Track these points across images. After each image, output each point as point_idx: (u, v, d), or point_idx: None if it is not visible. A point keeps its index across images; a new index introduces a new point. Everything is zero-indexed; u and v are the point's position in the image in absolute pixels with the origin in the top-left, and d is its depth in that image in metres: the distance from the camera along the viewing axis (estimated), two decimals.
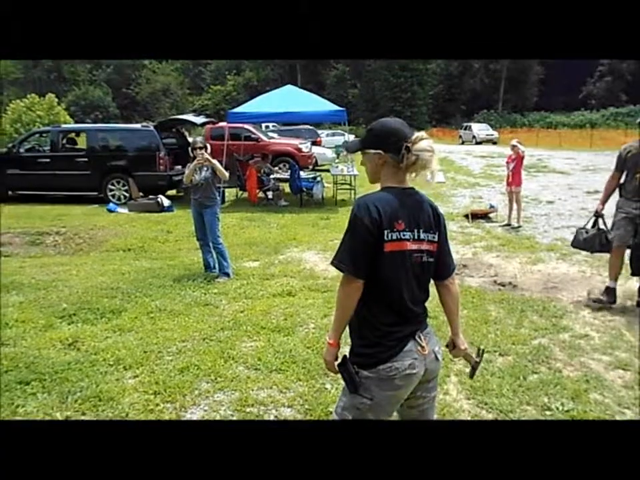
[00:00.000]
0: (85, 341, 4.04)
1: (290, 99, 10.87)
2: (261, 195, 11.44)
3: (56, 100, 28.94)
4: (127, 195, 11.19)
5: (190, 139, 12.07)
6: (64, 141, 11.84)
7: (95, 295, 5.08)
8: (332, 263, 1.82)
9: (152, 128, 11.23)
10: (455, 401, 3.17)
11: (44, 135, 12.36)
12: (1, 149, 13.30)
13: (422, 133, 1.87)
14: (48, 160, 11.39)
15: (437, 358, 1.91)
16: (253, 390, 3.30)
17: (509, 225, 8.56)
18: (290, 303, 4.93)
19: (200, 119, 12.40)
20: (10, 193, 11.84)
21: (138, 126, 11.92)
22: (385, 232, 1.76)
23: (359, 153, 1.92)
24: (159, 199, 10.57)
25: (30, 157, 11.58)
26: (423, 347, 1.84)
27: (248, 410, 3.07)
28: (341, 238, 1.82)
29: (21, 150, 11.65)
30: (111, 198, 11.20)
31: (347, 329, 1.93)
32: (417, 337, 1.85)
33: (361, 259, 1.76)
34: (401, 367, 1.78)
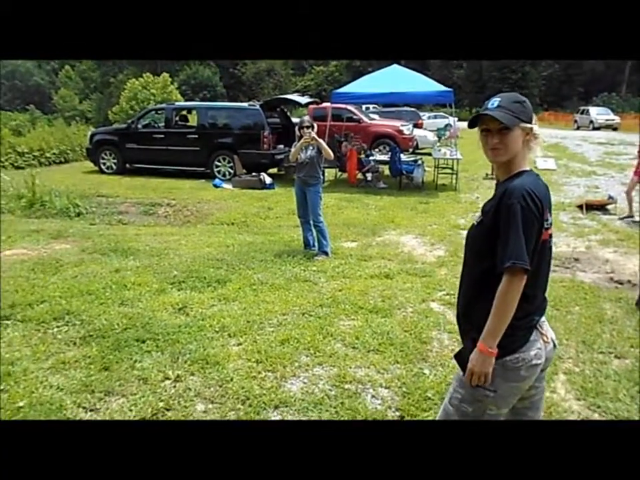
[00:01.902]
0: (193, 307, 4.29)
1: (396, 78, 10.65)
2: (360, 176, 11.41)
3: (169, 79, 30.63)
4: (232, 171, 11.65)
5: (294, 119, 12.33)
6: (177, 118, 12.53)
7: (202, 265, 5.36)
8: (506, 268, 1.62)
9: (258, 107, 11.55)
10: (563, 400, 3.00)
11: (159, 112, 13.15)
12: (122, 124, 14.37)
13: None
14: (162, 136, 12.14)
15: (554, 345, 1.84)
16: (350, 368, 3.33)
17: (630, 217, 7.83)
18: (387, 285, 4.90)
19: (304, 99, 12.57)
20: (127, 165, 12.79)
21: (245, 105, 12.30)
22: (544, 222, 1.68)
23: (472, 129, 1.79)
24: (261, 177, 10.90)
25: (146, 132, 12.38)
26: (545, 335, 1.78)
27: (346, 387, 3.10)
28: (504, 233, 1.64)
29: (139, 126, 12.49)
30: (216, 174, 11.72)
31: (462, 316, 1.85)
32: (539, 326, 1.77)
33: (529, 252, 1.63)
34: (527, 357, 1.70)
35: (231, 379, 3.16)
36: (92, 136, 13.14)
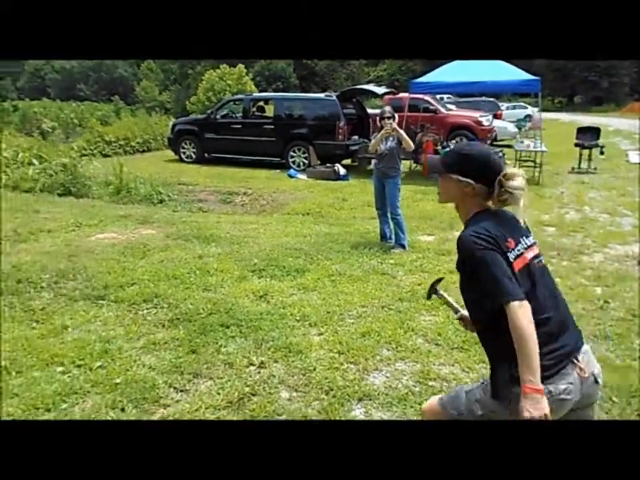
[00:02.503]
0: (274, 295, 4.35)
1: (477, 67, 10.24)
2: None
3: (245, 70, 31.25)
4: (306, 162, 11.73)
5: (369, 110, 12.22)
6: (254, 109, 12.77)
7: (280, 254, 5.44)
8: (494, 307, 1.59)
9: (334, 98, 11.54)
10: None
11: (237, 102, 13.46)
12: (201, 115, 14.83)
13: (515, 169, 1.77)
14: (239, 126, 12.43)
15: (596, 381, 1.71)
16: (434, 364, 3.26)
17: None
18: None
19: (381, 90, 12.43)
20: (206, 155, 13.20)
21: (321, 95, 12.35)
22: (507, 255, 1.65)
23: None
24: (335, 167, 10.90)
25: (224, 122, 12.72)
26: (582, 369, 1.65)
27: (430, 383, 3.04)
28: (482, 284, 1.63)
29: (218, 116, 12.84)
30: (291, 164, 11.85)
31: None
32: (574, 359, 1.66)
33: (514, 279, 1.60)
34: (554, 390, 1.60)
35: (314, 369, 3.18)
36: (173, 126, 13.67)
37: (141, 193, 9.09)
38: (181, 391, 2.98)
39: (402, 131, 5.65)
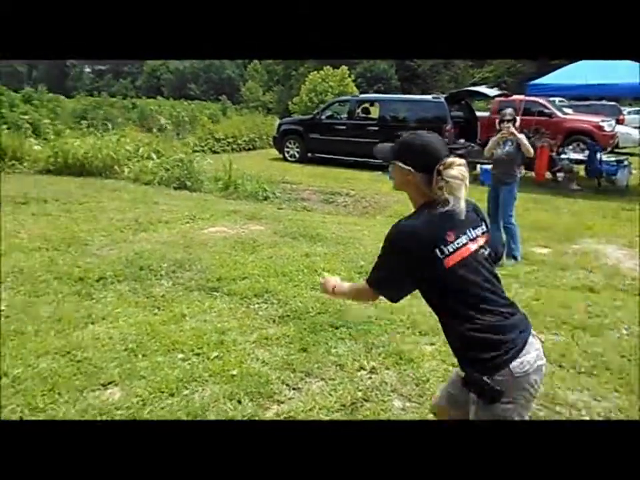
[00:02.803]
0: (382, 299, 4.27)
1: (598, 68, 9.50)
2: (549, 175, 10.49)
3: (347, 72, 31.45)
4: None
5: (478, 113, 11.77)
6: (359, 110, 12.77)
7: None
8: (367, 281, 1.90)
9: (442, 99, 11.24)
10: None
11: (343, 103, 13.54)
12: (307, 115, 15.10)
13: (455, 159, 1.77)
14: (344, 127, 12.48)
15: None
16: (559, 388, 3.02)
17: None
18: (593, 300, 4.38)
19: (493, 91, 11.91)
20: (309, 154, 13.41)
21: (429, 97, 12.07)
22: (438, 251, 1.69)
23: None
24: None
25: (329, 123, 12.85)
26: (539, 339, 1.81)
27: (557, 409, 2.81)
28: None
29: (323, 117, 12.99)
30: None
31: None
32: (529, 329, 1.78)
33: (395, 283, 1.84)
34: (531, 359, 1.69)
35: (428, 380, 3.07)
36: (279, 126, 14.03)
37: (247, 190, 9.40)
38: (294, 388, 3.00)
39: (521, 135, 5.34)
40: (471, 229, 1.79)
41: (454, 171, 1.73)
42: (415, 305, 4.14)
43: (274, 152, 14.85)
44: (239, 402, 2.82)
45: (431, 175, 1.75)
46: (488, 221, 1.93)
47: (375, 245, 5.88)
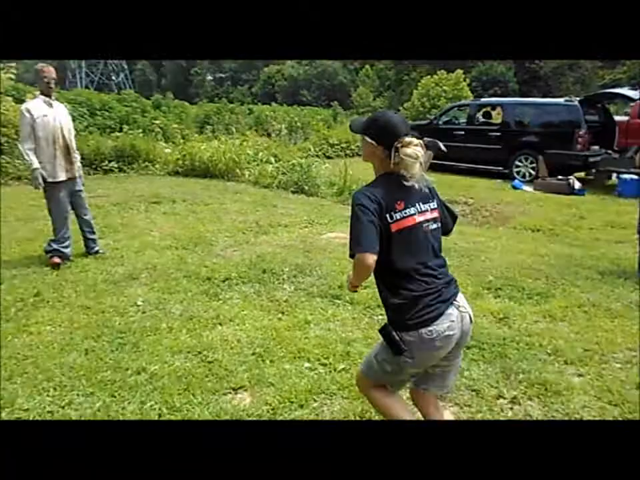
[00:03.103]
0: (516, 320, 3.94)
1: None
2: None
3: (463, 76, 30.42)
4: (533, 172, 10.79)
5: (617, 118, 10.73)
6: (479, 115, 12.20)
7: (517, 273, 4.95)
8: (350, 255, 1.95)
9: (576, 103, 10.37)
10: None
11: (462, 108, 13.03)
12: (422, 121, 14.76)
13: (413, 139, 1.97)
14: (462, 132, 11.98)
15: (470, 320, 2.07)
16: None
17: None
18: None
19: (637, 93, 10.79)
20: None
21: (560, 100, 11.21)
22: (388, 215, 1.94)
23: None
24: (570, 180, 9.80)
25: (446, 129, 12.41)
26: (461, 306, 2.02)
27: None
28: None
29: (440, 122, 12.58)
30: (515, 174, 11.03)
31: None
32: (454, 301, 2.01)
33: (370, 236, 1.90)
34: (440, 329, 1.94)
35: (581, 417, 2.72)
36: None
37: None
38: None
39: None
40: (421, 203, 2.03)
41: (409, 150, 1.95)
42: (557, 329, 3.78)
43: None
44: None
45: (390, 151, 1.97)
46: (440, 199, 2.19)
47: (503, 258, 5.50)
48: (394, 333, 1.97)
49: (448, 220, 2.27)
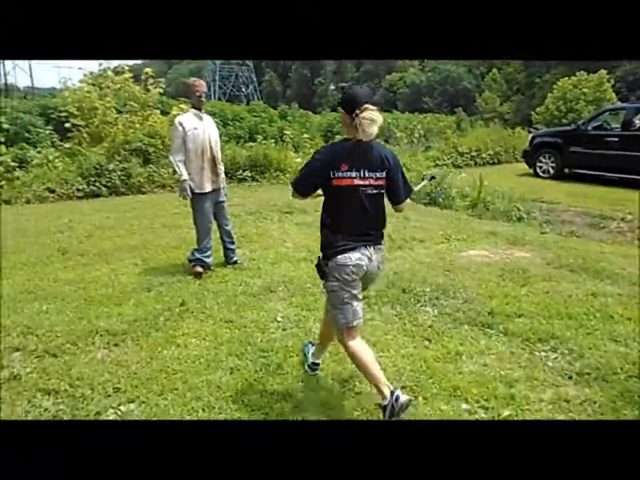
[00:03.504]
0: None
1: None
2: None
3: (607, 76, 27.70)
4: None
5: None
6: (638, 120, 10.85)
7: None
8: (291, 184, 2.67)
9: None
10: None
11: (615, 112, 11.71)
12: (568, 127, 13.54)
13: (370, 106, 2.44)
14: (616, 139, 10.73)
15: (378, 267, 2.74)
16: None
17: None
18: None
19: None
20: (566, 170, 11.93)
21: None
22: (332, 172, 2.50)
23: None
24: None
25: (596, 135, 11.20)
26: (371, 257, 2.63)
27: None
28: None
29: (589, 127, 11.40)
30: None
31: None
32: (367, 247, 2.61)
33: (307, 182, 2.61)
34: (352, 257, 2.56)
35: None
36: (532, 138, 12.81)
37: (498, 208, 8.66)
38: None
39: None
40: (366, 170, 2.53)
41: (366, 114, 2.42)
42: None
43: (521, 167, 13.68)
44: None
45: (353, 117, 2.43)
46: (402, 174, 2.71)
47: None
48: (320, 261, 2.64)
49: (400, 192, 2.72)
